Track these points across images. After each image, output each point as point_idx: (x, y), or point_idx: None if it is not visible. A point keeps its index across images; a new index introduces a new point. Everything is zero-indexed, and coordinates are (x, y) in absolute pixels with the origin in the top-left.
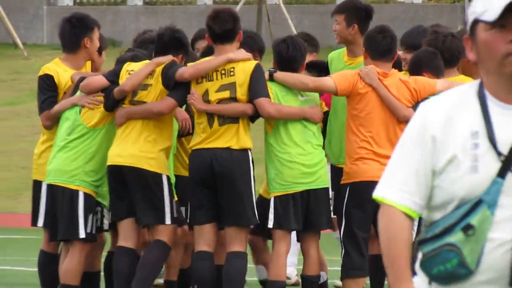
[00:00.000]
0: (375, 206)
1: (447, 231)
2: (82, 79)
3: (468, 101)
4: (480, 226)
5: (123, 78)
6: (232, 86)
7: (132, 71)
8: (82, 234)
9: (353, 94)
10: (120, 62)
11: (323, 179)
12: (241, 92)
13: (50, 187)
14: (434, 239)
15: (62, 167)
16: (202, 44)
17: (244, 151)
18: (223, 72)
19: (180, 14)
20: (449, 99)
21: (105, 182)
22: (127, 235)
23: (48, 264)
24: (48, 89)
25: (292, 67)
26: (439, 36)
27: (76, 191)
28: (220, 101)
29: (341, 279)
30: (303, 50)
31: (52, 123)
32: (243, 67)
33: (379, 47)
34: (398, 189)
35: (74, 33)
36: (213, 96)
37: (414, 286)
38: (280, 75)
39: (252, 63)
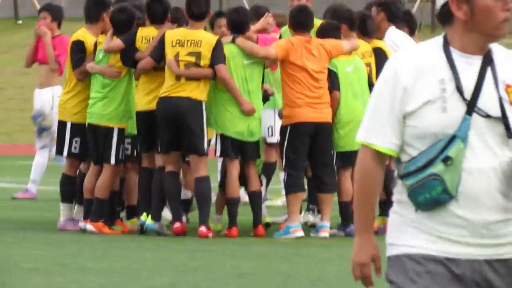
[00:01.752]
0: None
1: (429, 163)
2: (95, 45)
3: (434, 54)
4: (456, 157)
5: (140, 43)
6: (198, 54)
7: (147, 37)
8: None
9: (287, 56)
10: (114, 22)
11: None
12: (204, 60)
13: (92, 126)
14: (418, 172)
15: (101, 111)
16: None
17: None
18: (192, 42)
19: None
20: (416, 53)
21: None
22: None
23: (69, 184)
24: (79, 51)
25: (241, 29)
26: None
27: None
28: (186, 63)
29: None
30: (249, 16)
31: (83, 78)
32: (208, 40)
33: (300, 22)
34: (377, 133)
35: (97, 9)
36: (183, 58)
37: (373, 237)
38: (240, 41)
39: (215, 38)
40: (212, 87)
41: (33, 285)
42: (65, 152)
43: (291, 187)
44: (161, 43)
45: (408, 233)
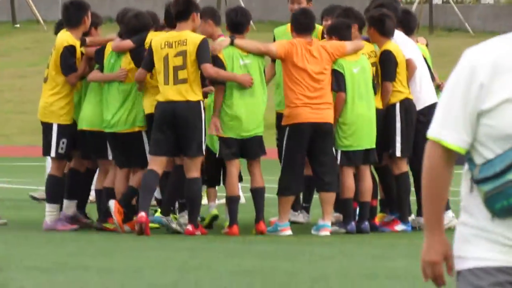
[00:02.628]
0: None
1: (507, 169)
2: (98, 50)
3: None
4: None
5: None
6: (184, 52)
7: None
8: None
9: (288, 58)
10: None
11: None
12: (190, 59)
13: (114, 134)
14: (495, 177)
15: (125, 119)
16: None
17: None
18: (179, 42)
19: None
20: (495, 47)
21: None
22: None
23: (55, 185)
24: (72, 56)
25: (239, 29)
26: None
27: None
28: (175, 66)
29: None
30: (248, 17)
31: (76, 82)
32: (193, 40)
33: (302, 25)
34: (449, 129)
35: (77, 13)
36: (172, 60)
37: (444, 236)
38: (239, 41)
39: (200, 38)
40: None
41: (35, 284)
42: (53, 153)
43: (284, 190)
44: (149, 50)
45: (481, 245)
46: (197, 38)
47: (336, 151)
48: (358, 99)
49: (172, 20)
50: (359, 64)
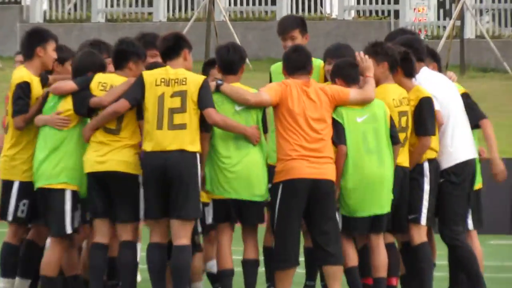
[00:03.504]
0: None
1: None
2: (47, 94)
3: None
4: None
5: (95, 88)
6: (184, 93)
7: (105, 83)
8: (69, 230)
9: (282, 102)
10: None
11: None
12: (190, 101)
13: (41, 190)
14: None
15: (50, 170)
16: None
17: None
18: (176, 80)
19: (137, 29)
20: None
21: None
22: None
23: (11, 255)
24: (25, 95)
25: (232, 68)
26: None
27: (63, 190)
28: (170, 109)
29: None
30: (242, 53)
31: (24, 126)
32: (194, 79)
33: (296, 63)
34: None
35: (28, 43)
36: (167, 101)
37: None
38: (225, 88)
39: (201, 78)
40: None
41: None
42: (10, 217)
43: (280, 263)
44: (139, 83)
45: None
46: (199, 77)
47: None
48: (366, 153)
49: (123, 60)
50: (366, 111)
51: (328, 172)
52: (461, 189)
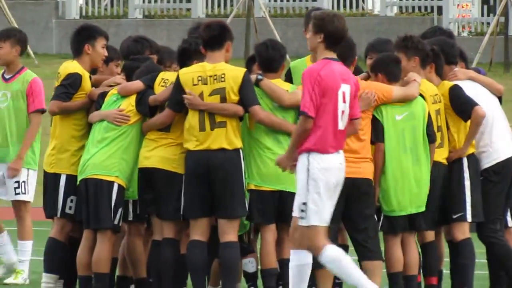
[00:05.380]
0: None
1: None
2: (103, 93)
3: None
4: None
5: (157, 86)
6: (222, 90)
7: (167, 80)
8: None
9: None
10: (127, 69)
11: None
12: (231, 98)
13: (85, 180)
14: None
15: (101, 162)
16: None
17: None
18: (215, 77)
19: (175, 26)
20: None
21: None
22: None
23: (56, 251)
24: (71, 86)
25: (271, 66)
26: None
27: (112, 183)
28: None
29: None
30: (282, 51)
31: (57, 113)
32: (233, 74)
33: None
34: None
35: (77, 40)
36: (207, 101)
37: None
38: (264, 84)
39: (241, 71)
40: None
41: None
42: (58, 212)
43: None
44: (176, 87)
45: None
46: (239, 71)
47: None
48: (403, 152)
49: (186, 59)
50: (406, 109)
51: (365, 170)
52: (499, 187)
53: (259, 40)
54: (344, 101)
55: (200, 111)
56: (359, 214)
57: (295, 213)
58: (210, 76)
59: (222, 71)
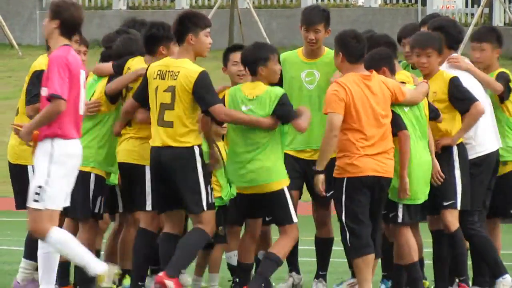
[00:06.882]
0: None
1: None
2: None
3: None
4: None
5: (124, 73)
6: (173, 89)
7: (129, 68)
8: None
9: (346, 108)
10: (105, 57)
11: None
12: (180, 97)
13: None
14: None
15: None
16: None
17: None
18: (171, 74)
19: (159, 17)
20: None
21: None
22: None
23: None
24: (39, 84)
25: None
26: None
27: (88, 173)
28: (162, 104)
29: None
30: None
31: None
32: (186, 73)
33: (356, 52)
34: None
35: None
36: (160, 96)
37: None
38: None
39: (196, 72)
40: None
41: None
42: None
43: (357, 250)
44: (144, 77)
45: None
46: (193, 72)
47: (395, 205)
48: (420, 140)
49: (154, 44)
50: None
51: (390, 169)
52: (478, 180)
53: (242, 31)
54: (85, 87)
55: (156, 105)
56: (376, 210)
57: (30, 196)
58: (168, 72)
59: (178, 69)
